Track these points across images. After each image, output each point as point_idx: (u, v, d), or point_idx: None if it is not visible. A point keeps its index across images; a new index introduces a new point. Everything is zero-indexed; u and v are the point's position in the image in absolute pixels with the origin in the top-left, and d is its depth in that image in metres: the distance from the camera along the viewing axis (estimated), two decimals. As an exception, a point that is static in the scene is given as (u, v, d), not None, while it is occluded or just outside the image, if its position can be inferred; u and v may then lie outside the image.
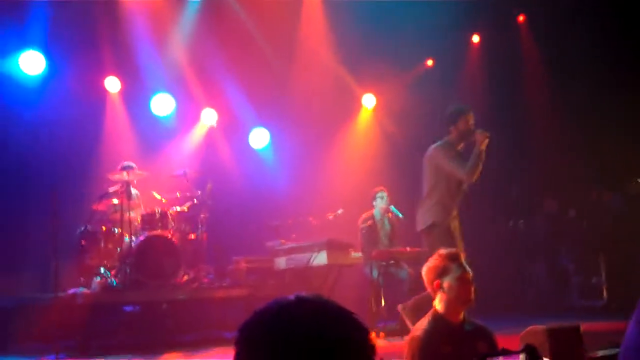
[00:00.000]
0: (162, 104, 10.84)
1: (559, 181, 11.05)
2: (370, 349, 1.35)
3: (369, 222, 8.97)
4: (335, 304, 1.38)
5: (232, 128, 11.30)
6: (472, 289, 3.98)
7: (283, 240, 9.29)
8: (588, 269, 9.81)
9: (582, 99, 10.89)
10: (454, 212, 7.02)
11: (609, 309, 9.44)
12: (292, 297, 1.38)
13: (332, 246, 8.57)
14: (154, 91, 10.80)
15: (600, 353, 4.67)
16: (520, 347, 1.98)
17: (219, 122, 11.13)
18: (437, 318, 3.96)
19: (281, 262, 9.00)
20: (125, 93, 10.65)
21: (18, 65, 9.62)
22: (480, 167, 6.81)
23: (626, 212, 10.30)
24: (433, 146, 7.11)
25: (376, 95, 12.14)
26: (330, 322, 1.33)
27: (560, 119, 11.14)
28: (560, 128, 11.14)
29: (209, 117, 11.11)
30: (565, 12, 10.57)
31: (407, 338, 4.07)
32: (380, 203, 9.06)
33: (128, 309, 8.53)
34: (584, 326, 4.71)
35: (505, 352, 1.93)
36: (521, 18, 11.94)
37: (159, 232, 8.53)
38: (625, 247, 9.78)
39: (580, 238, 10.51)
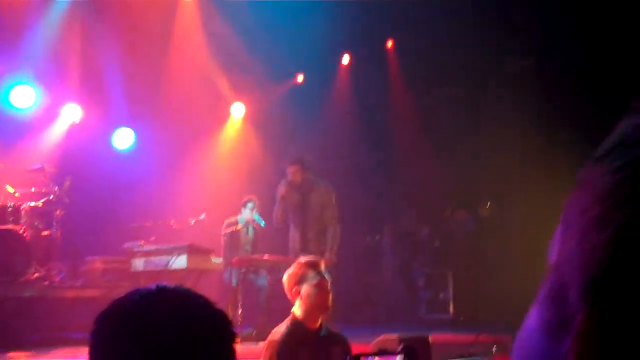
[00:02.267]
0: (23, 96, 10.39)
1: (415, 198, 11.55)
2: (231, 338, 1.32)
3: (232, 228, 9.01)
4: (197, 294, 1.34)
5: (96, 126, 11.00)
6: (329, 296, 4.12)
7: (142, 242, 9.14)
8: (437, 284, 10.31)
9: (443, 122, 11.47)
10: None
11: (455, 322, 9.98)
12: (153, 286, 1.32)
13: (192, 250, 8.53)
14: (14, 82, 10.34)
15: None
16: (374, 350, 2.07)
17: (83, 118, 10.81)
18: (295, 323, 4.07)
19: (139, 264, 8.84)
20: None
21: None
22: (278, 216, 8.21)
23: (476, 232, 10.94)
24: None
25: (246, 104, 12.22)
26: (192, 311, 1.29)
27: (421, 140, 11.68)
28: (420, 148, 11.67)
29: (71, 113, 10.76)
30: (432, 38, 11.08)
31: (264, 342, 4.16)
32: (248, 211, 9.12)
33: (-29, 305, 8.08)
34: (431, 337, 5.01)
35: (383, 353, 2.00)
36: (390, 43, 12.41)
37: (9, 226, 8.17)
38: (472, 265, 10.38)
39: (432, 254, 11.05)
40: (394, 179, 11.99)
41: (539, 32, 10.50)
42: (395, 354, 2.01)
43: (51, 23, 10.30)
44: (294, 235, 8.22)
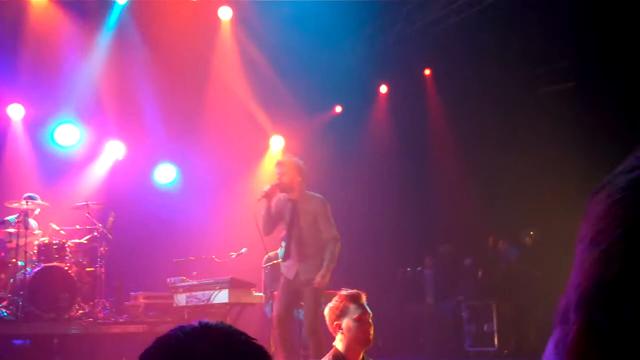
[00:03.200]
0: (67, 134, 10.64)
1: (457, 229, 11.44)
2: None
3: (273, 262, 9.01)
4: (239, 330, 1.36)
5: (138, 162, 11.16)
6: (371, 329, 4.08)
7: (184, 277, 9.19)
8: (481, 316, 10.14)
9: (483, 149, 11.38)
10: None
11: (500, 355, 9.79)
12: (195, 323, 1.33)
13: (234, 285, 8.54)
14: (59, 120, 10.59)
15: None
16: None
17: (126, 155, 10.98)
18: (337, 356, 4.04)
19: (181, 299, 8.88)
20: (29, 121, 10.40)
21: None
22: (262, 221, 6.91)
23: (519, 263, 10.76)
24: None
25: (284, 137, 12.30)
26: (234, 347, 1.31)
27: (461, 170, 11.60)
28: (460, 178, 11.59)
29: (114, 150, 10.96)
30: (473, 67, 11.06)
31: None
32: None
33: (18, 342, 8.19)
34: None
35: None
36: (427, 72, 12.42)
37: (55, 263, 8.29)
38: (516, 296, 10.20)
39: (475, 285, 10.88)
40: (435, 209, 11.89)
41: (575, 55, 10.42)
42: None
43: (92, 61, 10.53)
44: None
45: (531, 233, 10.95)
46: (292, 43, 10.55)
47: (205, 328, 1.32)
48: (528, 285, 10.13)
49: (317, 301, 6.68)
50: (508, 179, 10.85)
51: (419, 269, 11.61)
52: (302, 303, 6.91)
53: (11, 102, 10.19)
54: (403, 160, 12.05)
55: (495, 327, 9.95)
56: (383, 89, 12.62)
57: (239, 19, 11.25)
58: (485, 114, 11.27)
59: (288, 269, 6.87)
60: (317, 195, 7.04)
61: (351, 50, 10.73)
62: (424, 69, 12.41)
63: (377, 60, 11.16)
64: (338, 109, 12.58)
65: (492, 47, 10.69)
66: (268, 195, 6.82)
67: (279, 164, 6.96)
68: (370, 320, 4.08)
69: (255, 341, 1.34)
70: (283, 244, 9.23)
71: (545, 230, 10.63)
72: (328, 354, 4.11)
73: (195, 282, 8.91)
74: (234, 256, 9.22)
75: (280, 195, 6.90)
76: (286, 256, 6.94)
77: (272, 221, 6.91)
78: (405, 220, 11.80)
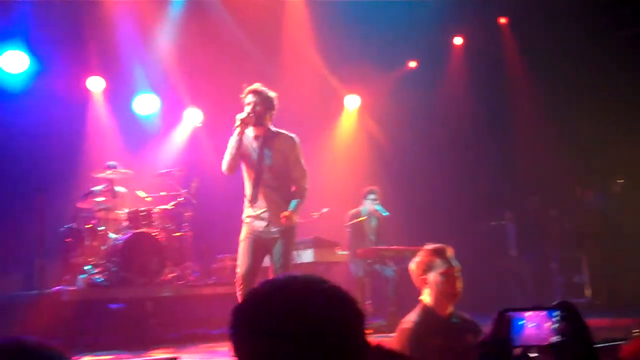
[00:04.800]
0: (146, 104, 10.88)
1: (542, 179, 11.18)
2: (362, 323, 1.36)
3: (356, 220, 9.05)
4: (325, 279, 1.38)
5: (217, 127, 11.30)
6: (458, 282, 4.04)
7: (268, 239, 9.30)
8: (570, 268, 9.93)
9: (565, 98, 11.05)
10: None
11: (593, 306, 9.59)
12: (281, 276, 1.39)
13: (318, 244, 8.63)
14: (138, 91, 10.82)
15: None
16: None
17: (204, 121, 11.14)
18: (426, 311, 4.02)
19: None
20: (109, 92, 10.65)
21: (0, 64, 9.60)
22: (229, 156, 5.80)
23: (607, 210, 10.45)
24: None
25: (360, 95, 12.22)
26: (323, 294, 1.33)
27: (544, 118, 11.28)
28: (543, 127, 11.28)
29: (193, 117, 11.14)
30: (548, 12, 10.70)
31: (396, 331, 4.13)
32: (370, 202, 9.15)
33: (113, 306, 8.52)
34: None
35: (537, 308, 1.88)
36: (503, 20, 12.06)
37: (144, 230, 8.53)
38: (606, 245, 9.93)
39: (562, 237, 10.64)
40: (516, 161, 11.64)
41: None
42: (551, 309, 1.88)
43: (167, 31, 10.66)
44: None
45: (620, 180, 10.60)
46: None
47: (292, 279, 1.37)
48: (618, 234, 9.84)
49: (291, 252, 5.93)
50: (593, 127, 10.51)
51: (502, 222, 11.42)
52: (272, 255, 5.84)
53: (90, 75, 10.43)
54: (482, 113, 11.80)
55: (587, 278, 9.74)
56: (458, 40, 12.33)
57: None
58: (565, 59, 10.89)
59: (255, 219, 5.81)
60: (288, 132, 6.00)
61: (424, 1, 10.48)
62: (499, 17, 12.05)
63: (451, 11, 10.88)
64: (412, 64, 12.39)
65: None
66: (245, 124, 5.78)
67: (255, 91, 5.85)
68: (457, 274, 4.04)
69: (342, 288, 1.38)
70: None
71: (635, 177, 10.27)
72: (416, 308, 4.09)
73: (279, 243, 9.01)
74: (316, 216, 9.29)
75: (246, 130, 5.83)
76: (252, 203, 5.83)
77: (239, 157, 5.81)
78: (486, 174, 11.60)
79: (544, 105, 11.33)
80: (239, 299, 5.32)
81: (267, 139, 5.86)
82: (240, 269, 5.86)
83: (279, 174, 5.84)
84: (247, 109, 5.79)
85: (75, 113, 10.21)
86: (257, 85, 5.90)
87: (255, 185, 5.82)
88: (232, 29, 10.75)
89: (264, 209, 5.77)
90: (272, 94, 5.91)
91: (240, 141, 5.74)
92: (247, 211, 5.88)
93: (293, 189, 5.90)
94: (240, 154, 5.79)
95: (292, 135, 5.99)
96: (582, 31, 10.55)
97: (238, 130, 5.72)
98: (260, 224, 5.79)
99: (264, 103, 5.83)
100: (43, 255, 7.55)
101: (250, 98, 5.81)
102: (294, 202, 5.80)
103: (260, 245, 5.82)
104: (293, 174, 5.88)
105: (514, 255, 11.15)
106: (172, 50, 10.66)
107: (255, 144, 5.86)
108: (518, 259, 11.03)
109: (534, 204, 11.18)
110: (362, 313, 1.37)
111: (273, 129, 5.93)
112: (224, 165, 5.82)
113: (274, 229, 5.76)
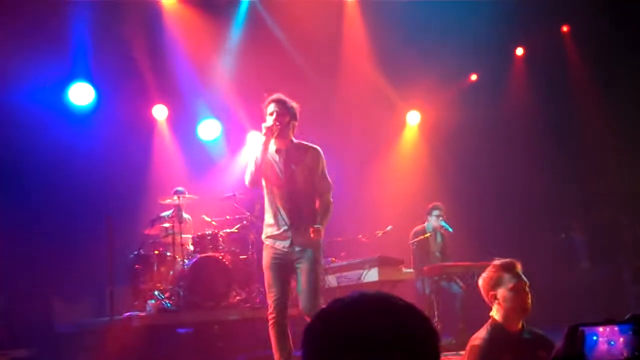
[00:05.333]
0: (209, 129, 11.06)
1: (610, 188, 10.86)
2: (435, 340, 1.34)
3: (421, 237, 8.94)
4: (397, 297, 1.37)
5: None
6: (528, 297, 3.93)
7: (333, 259, 9.29)
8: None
9: (631, 104, 10.73)
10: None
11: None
12: (354, 293, 1.37)
13: (383, 262, 8.55)
14: (201, 117, 11.01)
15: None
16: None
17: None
18: (495, 327, 3.92)
19: (332, 280, 9.00)
20: (173, 119, 10.86)
21: (68, 97, 9.91)
22: (253, 168, 5.43)
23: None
24: None
25: (420, 111, 12.14)
26: (395, 311, 1.32)
27: (610, 127, 10.97)
28: (610, 136, 10.96)
29: (255, 140, 11.22)
30: (611, 19, 10.44)
31: (466, 349, 4.04)
32: (434, 218, 9.05)
33: (182, 331, 8.61)
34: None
35: (609, 322, 1.78)
36: (565, 28, 11.83)
37: (210, 253, 8.61)
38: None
39: (636, 245, 10.29)
40: (584, 171, 11.33)
41: None
42: (623, 323, 1.77)
43: (227, 56, 10.81)
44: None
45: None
46: (421, 13, 10.32)
47: (364, 296, 1.36)
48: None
49: (319, 271, 5.58)
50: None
51: (571, 234, 11.12)
52: (297, 276, 5.50)
53: (155, 104, 10.66)
54: (546, 124, 11.55)
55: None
56: (519, 51, 12.13)
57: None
58: (629, 65, 10.58)
59: (278, 238, 5.50)
60: (312, 144, 5.66)
61: (483, 13, 10.35)
62: (561, 25, 11.81)
63: (511, 21, 10.71)
64: (474, 77, 12.24)
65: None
66: (272, 133, 5.42)
67: (279, 101, 5.52)
68: (527, 289, 3.93)
69: (414, 306, 1.37)
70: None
71: None
72: (486, 324, 4.00)
73: (344, 263, 9.00)
74: (380, 234, 9.22)
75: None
76: (274, 221, 5.50)
77: (262, 170, 5.44)
78: (553, 185, 11.32)
79: (609, 112, 11.02)
80: (271, 331, 5.29)
81: (290, 151, 5.53)
82: (271, 299, 5.47)
83: (304, 189, 5.50)
84: (270, 118, 5.45)
85: (141, 141, 10.45)
86: (279, 95, 5.57)
87: (279, 201, 5.46)
88: (289, 48, 10.83)
89: (287, 227, 5.43)
90: (294, 104, 5.57)
91: (265, 152, 5.40)
92: (268, 230, 5.55)
93: (317, 204, 5.55)
94: (262, 168, 5.44)
95: (317, 147, 5.63)
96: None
97: (263, 140, 5.41)
98: (284, 244, 5.46)
99: (288, 113, 5.51)
100: (113, 282, 7.68)
101: (273, 107, 5.48)
102: (320, 217, 5.47)
103: (285, 267, 5.48)
104: (318, 188, 5.55)
105: (586, 266, 10.83)
106: (232, 75, 10.79)
107: (277, 157, 5.51)
108: (590, 270, 10.71)
109: (602, 212, 10.86)
110: (436, 331, 1.35)
111: (295, 141, 5.59)
112: (248, 179, 5.45)
113: (298, 249, 5.42)
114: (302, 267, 5.43)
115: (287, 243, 5.43)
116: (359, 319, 1.29)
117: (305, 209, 5.49)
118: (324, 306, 1.37)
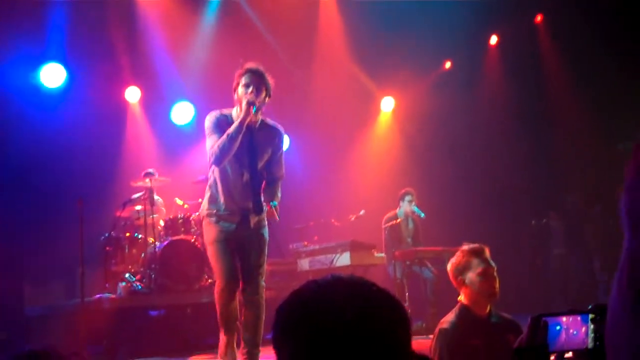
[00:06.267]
0: (182, 113, 10.97)
1: (582, 178, 10.99)
2: (407, 324, 1.34)
3: (392, 222, 9.00)
4: (370, 281, 1.37)
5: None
6: (496, 283, 3.99)
7: (306, 243, 9.33)
8: (614, 266, 9.74)
9: (603, 95, 10.85)
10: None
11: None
12: (328, 276, 1.36)
13: (355, 247, 8.60)
14: (174, 100, 10.92)
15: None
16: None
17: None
18: (464, 311, 3.98)
19: (304, 264, 9.05)
20: (145, 102, 10.77)
21: (39, 78, 9.77)
22: (232, 144, 5.10)
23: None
24: None
25: (395, 98, 12.18)
26: (368, 295, 1.32)
27: (582, 116, 11.09)
28: (582, 124, 11.08)
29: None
30: (584, 8, 10.53)
31: (434, 332, 4.09)
32: (406, 204, 9.11)
33: (153, 313, 8.59)
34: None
35: (572, 312, 1.81)
36: (539, 18, 11.91)
37: (182, 236, 8.59)
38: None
39: (606, 234, 10.44)
40: (556, 159, 11.45)
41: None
42: (585, 312, 1.80)
43: (200, 39, 10.74)
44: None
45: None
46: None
47: (338, 279, 1.35)
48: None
49: (265, 250, 5.41)
50: (632, 123, 10.30)
51: (544, 221, 11.25)
52: (244, 253, 5.25)
53: (128, 86, 10.56)
54: (520, 112, 11.65)
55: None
56: (493, 39, 12.20)
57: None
58: (601, 56, 10.69)
59: (228, 215, 5.24)
60: (276, 125, 5.41)
61: (457, 1, 10.39)
62: (535, 15, 11.89)
63: (486, 9, 10.76)
64: (448, 64, 12.29)
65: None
66: (252, 111, 5.09)
67: (260, 74, 5.19)
68: (494, 274, 3.99)
69: (387, 290, 1.36)
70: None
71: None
72: (454, 308, 4.05)
73: (317, 247, 9.05)
74: (352, 219, 9.27)
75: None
76: (225, 197, 5.23)
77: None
78: (526, 173, 11.44)
79: (582, 102, 11.14)
80: (219, 311, 5.31)
81: (257, 130, 5.25)
82: (220, 278, 5.27)
83: (263, 167, 5.30)
84: (249, 90, 5.11)
85: (113, 123, 10.34)
86: (258, 67, 5.23)
87: (235, 177, 5.20)
88: (265, 34, 10.79)
89: (240, 204, 5.20)
90: (271, 80, 5.23)
91: (242, 128, 5.06)
92: (216, 206, 5.25)
93: (264, 181, 5.34)
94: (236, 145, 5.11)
95: (280, 128, 5.41)
96: (620, 27, 10.35)
97: (243, 116, 5.06)
98: (234, 220, 5.22)
99: (266, 89, 5.20)
100: (83, 264, 7.63)
101: (249, 79, 5.15)
102: (275, 195, 5.31)
103: (233, 245, 5.24)
104: (274, 171, 5.37)
105: (557, 253, 10.97)
106: (206, 59, 10.72)
107: (246, 133, 5.14)
108: (562, 257, 10.85)
109: (575, 201, 10.99)
110: (408, 318, 1.35)
111: (261, 119, 5.33)
112: (222, 156, 5.09)
113: (247, 226, 5.22)
114: (253, 245, 5.26)
115: (237, 219, 5.23)
116: (332, 303, 1.28)
117: (258, 185, 5.27)
118: (301, 286, 1.37)
